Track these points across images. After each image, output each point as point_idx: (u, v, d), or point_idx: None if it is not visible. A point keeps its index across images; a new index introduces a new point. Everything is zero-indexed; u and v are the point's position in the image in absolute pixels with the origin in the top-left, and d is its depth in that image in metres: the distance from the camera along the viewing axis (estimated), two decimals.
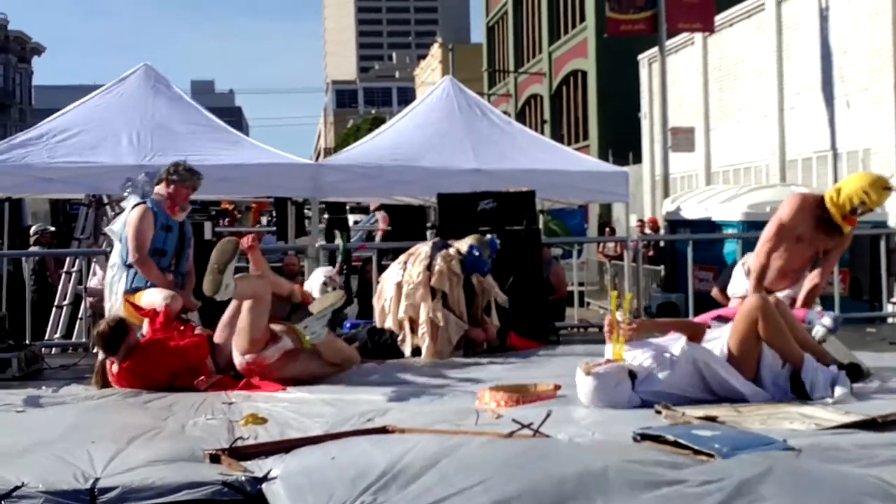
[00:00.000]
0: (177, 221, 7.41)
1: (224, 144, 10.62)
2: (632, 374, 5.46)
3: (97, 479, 4.02)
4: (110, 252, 8.44)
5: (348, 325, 8.90)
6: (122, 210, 7.85)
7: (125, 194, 7.60)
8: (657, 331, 5.72)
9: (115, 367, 6.67)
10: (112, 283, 7.47)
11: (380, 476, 3.74)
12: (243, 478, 4.02)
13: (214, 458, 4.33)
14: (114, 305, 7.35)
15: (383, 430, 4.70)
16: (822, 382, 5.55)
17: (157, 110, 10.79)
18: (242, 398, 6.08)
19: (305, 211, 14.12)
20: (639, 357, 5.52)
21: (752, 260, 6.74)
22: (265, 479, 4.00)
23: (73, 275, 10.50)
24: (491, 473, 3.67)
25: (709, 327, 6.07)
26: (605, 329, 5.68)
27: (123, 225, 7.38)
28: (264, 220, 23.07)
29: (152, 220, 7.24)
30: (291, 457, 4.21)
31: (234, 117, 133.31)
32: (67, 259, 10.84)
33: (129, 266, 7.26)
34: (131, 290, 7.23)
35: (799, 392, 5.55)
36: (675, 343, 5.53)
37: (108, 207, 10.88)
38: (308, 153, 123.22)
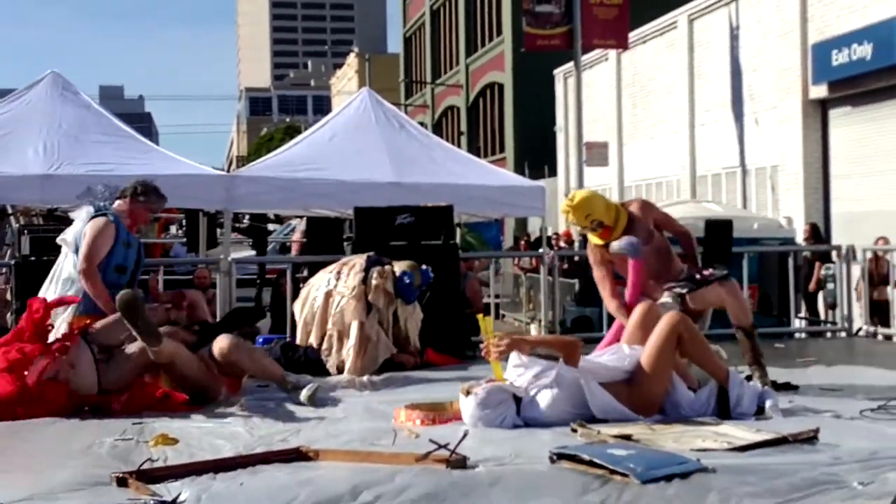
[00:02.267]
0: (136, 239, 7.13)
1: (134, 154, 10.40)
2: (517, 398, 5.36)
3: None
4: (14, 263, 8.17)
5: (261, 339, 8.75)
6: (42, 220, 7.50)
7: (80, 203, 7.13)
8: (531, 346, 5.65)
9: None
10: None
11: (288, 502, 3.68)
12: (152, 502, 3.91)
13: (122, 482, 4.20)
14: (58, 328, 6.68)
15: (296, 452, 4.62)
16: (748, 397, 5.59)
17: (65, 118, 10.53)
18: (153, 417, 5.90)
19: (219, 219, 13.88)
20: (522, 380, 5.41)
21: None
22: (174, 503, 3.90)
23: None
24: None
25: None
26: (483, 353, 5.64)
27: (81, 235, 6.91)
28: (173, 229, 22.58)
29: (114, 234, 6.90)
30: (201, 481, 4.12)
31: (144, 123, 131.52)
32: None
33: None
34: (83, 314, 6.72)
35: (723, 408, 5.54)
36: (556, 367, 5.39)
37: (11, 218, 10.56)
38: (220, 161, 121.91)
